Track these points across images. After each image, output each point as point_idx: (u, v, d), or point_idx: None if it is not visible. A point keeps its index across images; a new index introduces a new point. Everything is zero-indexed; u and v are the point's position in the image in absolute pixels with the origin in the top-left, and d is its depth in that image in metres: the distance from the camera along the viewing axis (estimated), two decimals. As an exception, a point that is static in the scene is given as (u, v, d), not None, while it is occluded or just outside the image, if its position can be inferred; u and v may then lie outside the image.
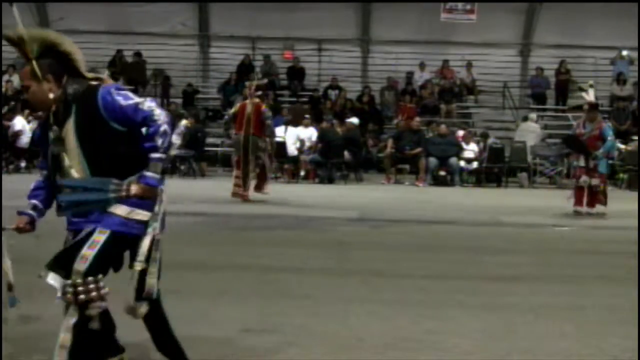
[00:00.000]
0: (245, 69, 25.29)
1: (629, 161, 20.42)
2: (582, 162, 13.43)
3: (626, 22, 24.72)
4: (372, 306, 6.40)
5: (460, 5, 25.51)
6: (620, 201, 15.43)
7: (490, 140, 21.36)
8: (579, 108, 14.02)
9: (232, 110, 15.03)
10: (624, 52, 25.20)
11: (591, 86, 14.06)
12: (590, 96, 13.76)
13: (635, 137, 21.45)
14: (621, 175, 20.54)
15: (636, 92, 24.76)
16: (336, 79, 25.43)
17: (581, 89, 14.41)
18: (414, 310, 6.30)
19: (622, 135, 22.42)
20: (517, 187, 20.20)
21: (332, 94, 25.02)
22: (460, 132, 21.69)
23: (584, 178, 13.33)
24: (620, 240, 10.84)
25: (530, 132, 22.23)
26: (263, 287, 7.03)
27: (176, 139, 4.20)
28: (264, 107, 14.61)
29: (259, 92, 15.04)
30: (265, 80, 19.48)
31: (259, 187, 14.45)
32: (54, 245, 4.19)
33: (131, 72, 25.26)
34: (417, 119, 21.95)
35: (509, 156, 21.04)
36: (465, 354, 5.16)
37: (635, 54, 25.14)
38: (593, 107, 13.68)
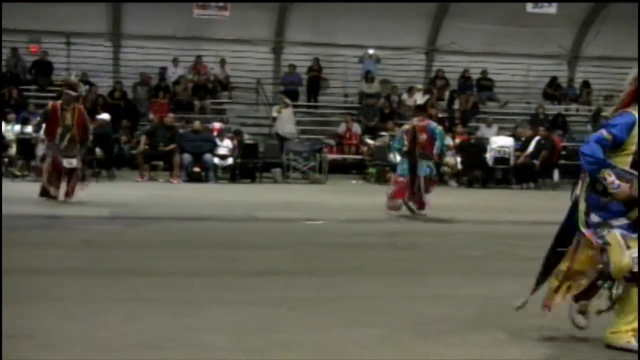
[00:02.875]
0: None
1: (377, 156, 21.24)
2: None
3: (373, 22, 25.74)
4: (128, 305, 6.22)
5: (213, 2, 25.48)
6: (370, 195, 16.02)
7: (244, 137, 21.54)
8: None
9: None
10: (371, 51, 26.21)
11: (419, 89, 14.36)
12: (418, 99, 14.08)
13: (384, 133, 22.36)
14: (371, 169, 21.34)
15: (384, 90, 25.82)
16: (86, 74, 24.61)
17: (412, 89, 14.74)
18: (171, 307, 6.18)
19: (371, 132, 23.33)
20: (271, 183, 20.46)
21: (82, 89, 24.18)
22: (217, 125, 21.67)
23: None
24: (370, 233, 11.23)
25: (289, 117, 22.70)
26: (16, 290, 6.62)
27: None
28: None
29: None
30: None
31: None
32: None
33: None
34: (171, 115, 21.72)
35: (263, 152, 21.29)
36: (221, 350, 5.12)
37: (380, 53, 26.23)
38: (418, 108, 13.81)
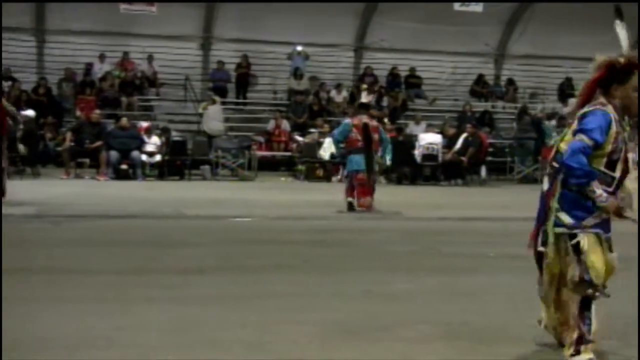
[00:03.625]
0: None
1: (306, 153, 21.27)
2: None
3: (302, 19, 25.78)
4: (58, 305, 6.13)
5: (140, -3, 25.24)
6: (299, 192, 16.06)
7: (172, 133, 21.39)
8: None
9: None
10: (299, 48, 26.22)
11: (365, 89, 14.56)
12: (363, 97, 14.13)
13: (313, 130, 22.42)
14: (300, 166, 21.36)
15: (313, 87, 25.87)
16: (9, 70, 24.14)
17: (360, 89, 14.89)
18: (102, 307, 6.11)
19: (300, 128, 23.35)
20: (200, 180, 20.34)
21: (6, 85, 23.73)
22: (144, 122, 21.46)
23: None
24: (299, 230, 11.24)
25: (216, 114, 22.61)
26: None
27: None
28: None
29: None
30: None
31: None
32: None
33: None
34: (97, 111, 21.43)
35: (192, 149, 21.16)
36: (151, 349, 5.08)
37: (309, 49, 26.26)
38: (362, 107, 13.90)
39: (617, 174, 4.76)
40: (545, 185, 4.95)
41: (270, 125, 23.44)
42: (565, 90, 27.55)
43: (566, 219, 4.79)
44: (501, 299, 6.76)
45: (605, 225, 4.80)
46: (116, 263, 8.13)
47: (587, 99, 4.87)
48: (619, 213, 4.75)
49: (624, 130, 4.78)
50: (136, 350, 5.07)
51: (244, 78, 25.94)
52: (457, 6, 25.87)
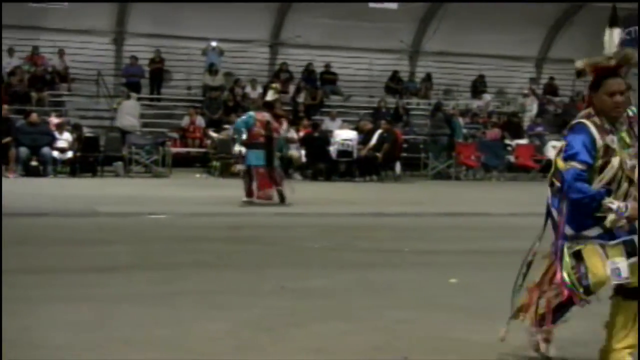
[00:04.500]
0: None
1: (221, 149, 21.17)
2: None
3: (216, 15, 25.62)
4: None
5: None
6: (214, 188, 15.96)
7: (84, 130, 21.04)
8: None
9: None
10: (214, 44, 26.06)
11: (273, 87, 15.04)
12: (269, 95, 14.65)
13: (228, 126, 22.33)
14: (215, 163, 21.25)
15: (227, 82, 25.74)
16: None
17: (270, 89, 15.22)
18: (7, 307, 5.94)
19: (215, 124, 23.22)
20: (113, 177, 20.06)
21: None
22: (55, 120, 21.04)
23: (238, 167, 14.34)
24: (214, 227, 11.18)
25: (130, 110, 22.32)
26: None
27: None
28: None
29: None
30: None
31: None
32: None
33: None
34: (6, 106, 20.93)
35: (104, 145, 20.86)
36: (60, 349, 4.97)
37: (224, 45, 26.12)
38: (266, 105, 14.45)
39: (615, 185, 4.45)
40: (550, 200, 4.72)
41: (185, 121, 23.26)
42: (478, 87, 28.03)
43: (567, 230, 4.55)
44: (414, 293, 6.83)
45: (607, 235, 4.45)
46: (25, 262, 7.95)
47: (584, 108, 4.62)
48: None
49: (617, 135, 4.48)
50: (44, 350, 4.94)
51: (158, 73, 25.68)
52: (372, 3, 26.05)
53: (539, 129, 25.50)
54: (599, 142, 4.39)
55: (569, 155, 4.41)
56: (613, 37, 4.60)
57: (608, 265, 4.39)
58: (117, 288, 6.80)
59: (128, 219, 11.83)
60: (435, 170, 22.69)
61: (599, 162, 4.40)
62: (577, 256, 4.50)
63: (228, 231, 10.71)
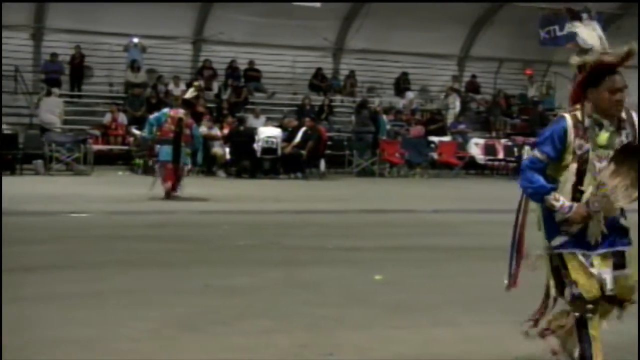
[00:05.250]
0: None
1: (143, 147, 20.94)
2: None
3: (138, 10, 25.30)
4: None
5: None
6: (137, 186, 15.76)
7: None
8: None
9: None
10: (136, 40, 25.75)
11: (195, 86, 15.50)
12: (188, 93, 15.06)
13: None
14: (137, 160, 21.00)
15: (150, 79, 25.46)
16: None
17: (191, 87, 15.57)
18: None
19: (138, 122, 22.93)
20: (32, 175, 19.68)
21: None
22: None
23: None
24: (136, 225, 11.07)
25: (55, 107, 21.94)
26: None
27: None
28: None
29: None
30: None
31: None
32: None
33: None
34: None
35: (23, 143, 20.46)
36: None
37: (146, 42, 25.83)
38: (185, 103, 14.83)
39: (588, 187, 4.25)
40: None
41: (107, 118, 22.93)
42: (401, 85, 28.25)
43: (543, 239, 4.39)
44: (339, 290, 6.86)
45: (583, 241, 4.28)
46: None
47: (572, 103, 4.40)
48: (585, 218, 4.22)
49: (598, 136, 4.26)
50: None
51: (79, 70, 25.24)
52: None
53: (462, 126, 25.85)
54: (570, 138, 4.23)
55: (536, 143, 4.37)
56: (597, 31, 4.31)
57: (599, 274, 4.24)
58: (41, 288, 6.69)
59: (50, 218, 11.63)
60: (359, 167, 22.82)
61: (569, 157, 4.25)
62: (558, 267, 4.34)
63: (152, 229, 10.60)
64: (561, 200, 4.22)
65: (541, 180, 4.25)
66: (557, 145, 4.23)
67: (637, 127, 4.32)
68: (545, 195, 4.24)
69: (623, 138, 4.27)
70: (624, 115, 4.29)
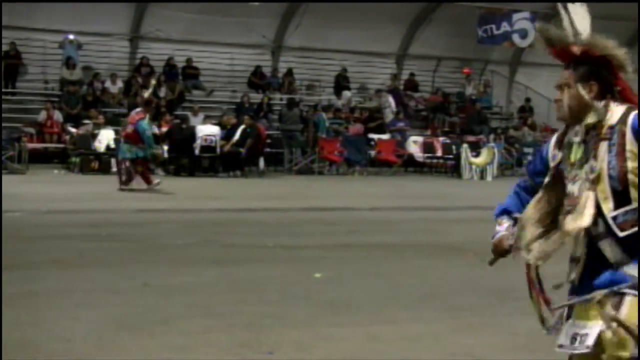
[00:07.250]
0: None
1: (80, 145, 20.70)
2: None
3: (73, 7, 24.93)
4: None
5: None
6: (73, 185, 15.58)
7: None
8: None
9: None
10: (71, 37, 25.38)
11: (153, 84, 16.86)
12: (146, 93, 15.98)
13: (87, 121, 21.84)
14: (74, 159, 20.73)
15: (86, 76, 25.13)
16: None
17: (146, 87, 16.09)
18: None
19: (74, 119, 22.65)
20: (-35, 174, 19.27)
21: None
22: None
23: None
24: (73, 224, 10.92)
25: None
26: None
27: None
28: None
29: None
30: None
31: None
32: None
33: None
34: None
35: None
36: None
37: (82, 38, 25.49)
38: (147, 103, 15.73)
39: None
40: None
41: (42, 116, 22.56)
42: (340, 83, 28.31)
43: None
44: (279, 288, 6.84)
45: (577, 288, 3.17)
46: None
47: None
48: (502, 252, 3.38)
49: (571, 149, 3.25)
50: None
51: (13, 67, 24.80)
52: (234, -1, 25.97)
53: (401, 124, 26.00)
54: (549, 150, 3.35)
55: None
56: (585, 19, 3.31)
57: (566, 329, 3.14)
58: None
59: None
60: (292, 164, 22.82)
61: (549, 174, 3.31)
62: None
63: (88, 228, 10.46)
64: (504, 225, 3.42)
65: (507, 201, 3.51)
66: (539, 159, 3.41)
67: (633, 138, 3.07)
68: (498, 216, 3.48)
69: (594, 164, 3.13)
70: (613, 120, 3.12)
